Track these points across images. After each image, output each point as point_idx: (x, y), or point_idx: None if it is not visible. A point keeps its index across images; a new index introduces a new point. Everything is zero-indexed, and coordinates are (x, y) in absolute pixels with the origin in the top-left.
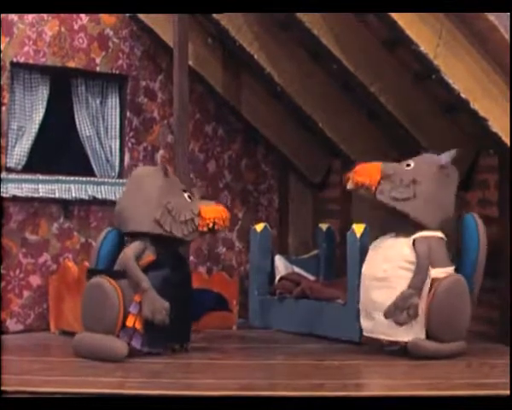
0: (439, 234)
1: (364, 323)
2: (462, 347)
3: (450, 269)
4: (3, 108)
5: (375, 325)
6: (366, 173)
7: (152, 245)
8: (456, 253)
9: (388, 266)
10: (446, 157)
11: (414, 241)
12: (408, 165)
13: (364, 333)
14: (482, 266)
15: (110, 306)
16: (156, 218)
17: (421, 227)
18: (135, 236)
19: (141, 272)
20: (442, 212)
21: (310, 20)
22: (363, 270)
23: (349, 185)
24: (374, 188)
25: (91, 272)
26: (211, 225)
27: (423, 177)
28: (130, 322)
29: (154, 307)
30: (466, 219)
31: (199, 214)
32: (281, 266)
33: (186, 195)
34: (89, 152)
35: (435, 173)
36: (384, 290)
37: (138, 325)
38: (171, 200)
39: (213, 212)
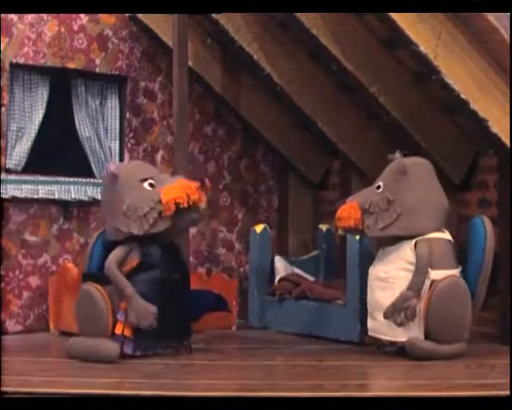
0: (445, 236)
1: (369, 323)
2: (461, 349)
3: (453, 271)
4: (3, 109)
5: (377, 325)
6: (347, 217)
7: (137, 247)
8: (460, 254)
9: (390, 267)
10: (400, 160)
11: (416, 242)
12: (378, 187)
13: (369, 333)
14: (488, 269)
15: (98, 313)
16: (116, 226)
17: (421, 235)
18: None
19: (123, 279)
20: (432, 211)
21: (309, 20)
22: (370, 270)
23: (340, 232)
24: (361, 227)
25: (85, 277)
26: (173, 207)
27: (395, 192)
28: (118, 329)
29: (138, 313)
30: (474, 221)
31: (160, 201)
32: (280, 266)
33: (146, 184)
34: (88, 153)
35: (402, 181)
36: (385, 291)
37: (127, 332)
38: (126, 200)
39: (173, 192)
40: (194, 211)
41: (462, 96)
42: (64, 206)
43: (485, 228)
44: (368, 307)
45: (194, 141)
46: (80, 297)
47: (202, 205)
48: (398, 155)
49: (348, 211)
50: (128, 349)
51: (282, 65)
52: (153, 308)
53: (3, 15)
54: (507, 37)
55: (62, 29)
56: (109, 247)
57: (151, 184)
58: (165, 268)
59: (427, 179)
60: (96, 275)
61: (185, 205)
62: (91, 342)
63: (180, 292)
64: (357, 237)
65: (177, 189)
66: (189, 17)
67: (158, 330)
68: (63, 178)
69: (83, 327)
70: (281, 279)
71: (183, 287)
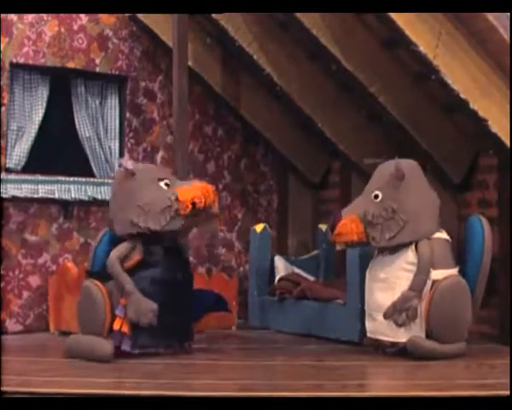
0: (444, 236)
1: (367, 324)
2: (461, 348)
3: (453, 271)
4: (3, 109)
5: (377, 326)
6: (349, 232)
7: (141, 245)
8: (459, 254)
9: (391, 268)
10: (398, 166)
11: (416, 243)
12: (376, 196)
13: (368, 334)
14: (486, 268)
15: (96, 308)
16: (131, 220)
17: (427, 237)
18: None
19: (125, 275)
20: (432, 211)
21: (309, 20)
22: (368, 271)
23: (339, 247)
24: (364, 239)
25: (88, 274)
26: (190, 206)
27: (396, 199)
28: (117, 325)
29: (138, 310)
30: (471, 220)
31: (176, 199)
32: (280, 266)
33: (162, 183)
34: (88, 153)
35: (401, 187)
36: (385, 292)
37: (125, 328)
38: (143, 195)
39: (190, 192)
40: (213, 219)
41: (462, 95)
42: (64, 205)
43: (483, 227)
44: (366, 308)
45: (194, 141)
46: (81, 294)
47: (216, 208)
48: (378, 160)
49: (349, 226)
50: (126, 346)
51: (282, 65)
52: (153, 305)
53: (3, 15)
54: (506, 37)
55: (62, 29)
56: (115, 244)
57: (167, 184)
58: (168, 268)
59: (420, 180)
60: (100, 272)
61: (201, 205)
62: (87, 341)
63: (182, 293)
64: None
65: (194, 189)
66: (188, 17)
67: (157, 329)
68: (63, 178)
69: (82, 324)
70: (281, 279)
71: (184, 288)
